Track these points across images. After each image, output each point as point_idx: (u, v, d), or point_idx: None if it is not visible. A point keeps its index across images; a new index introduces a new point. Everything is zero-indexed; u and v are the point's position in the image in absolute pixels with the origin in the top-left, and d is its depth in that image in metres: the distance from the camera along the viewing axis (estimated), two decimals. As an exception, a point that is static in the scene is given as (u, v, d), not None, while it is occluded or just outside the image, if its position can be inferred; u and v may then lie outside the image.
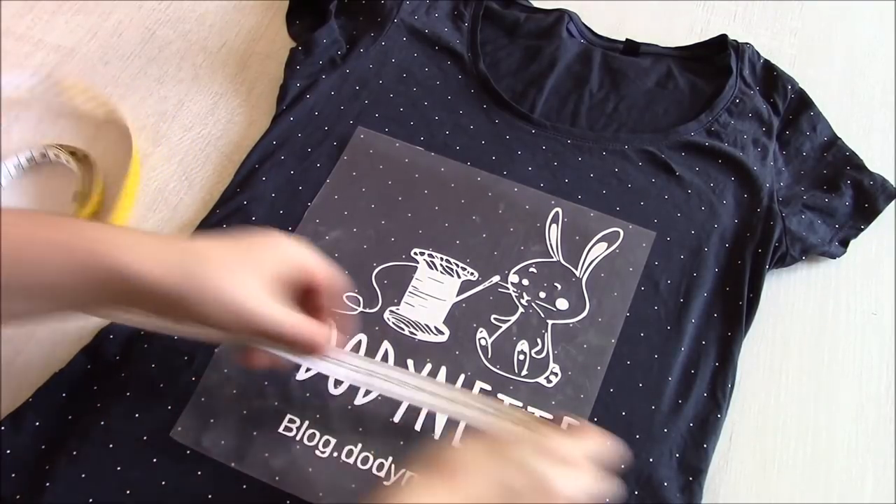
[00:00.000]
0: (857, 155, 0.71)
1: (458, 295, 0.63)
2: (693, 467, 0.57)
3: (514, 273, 0.64)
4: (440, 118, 0.71)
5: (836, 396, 0.63)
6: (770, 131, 0.72)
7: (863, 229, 0.69)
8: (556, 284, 0.64)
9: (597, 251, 0.65)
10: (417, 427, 0.58)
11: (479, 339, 0.61)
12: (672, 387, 0.60)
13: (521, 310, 0.63)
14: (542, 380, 0.60)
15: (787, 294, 0.67)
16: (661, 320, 0.63)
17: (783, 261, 0.66)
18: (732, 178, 0.69)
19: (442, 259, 0.64)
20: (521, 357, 0.61)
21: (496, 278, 0.64)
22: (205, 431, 0.56)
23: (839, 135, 0.72)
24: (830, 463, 0.60)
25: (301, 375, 0.59)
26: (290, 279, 0.50)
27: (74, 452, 0.55)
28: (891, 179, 0.70)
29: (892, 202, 0.70)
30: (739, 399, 0.61)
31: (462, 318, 0.62)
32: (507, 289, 0.64)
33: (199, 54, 0.78)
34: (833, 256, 0.68)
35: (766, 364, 0.64)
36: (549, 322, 0.62)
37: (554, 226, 0.66)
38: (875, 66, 0.81)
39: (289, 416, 0.57)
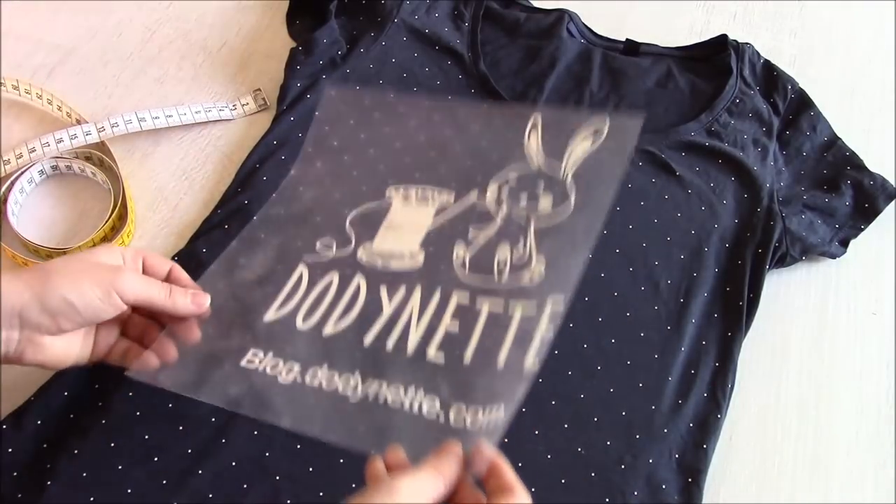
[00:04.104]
0: (857, 155, 0.71)
1: (434, 218, 0.62)
2: (693, 468, 0.57)
3: (491, 189, 0.62)
4: (440, 118, 0.71)
5: (836, 396, 0.63)
6: (770, 131, 0.72)
7: (863, 229, 0.69)
8: (536, 191, 0.61)
9: (580, 150, 0.62)
10: (389, 347, 0.55)
11: (456, 254, 0.59)
12: (672, 387, 0.60)
13: (500, 221, 0.61)
14: (524, 280, 0.57)
15: (787, 294, 0.67)
16: (661, 320, 0.63)
17: (783, 261, 0.66)
18: (732, 178, 0.69)
19: (417, 190, 0.63)
20: (502, 265, 0.58)
21: (473, 196, 0.62)
22: (162, 368, 0.54)
23: (839, 135, 0.72)
24: (830, 463, 0.60)
25: (269, 317, 0.58)
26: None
27: (75, 451, 0.55)
28: (891, 179, 0.70)
29: (892, 202, 0.70)
30: (739, 399, 0.61)
31: (438, 239, 0.60)
32: (486, 205, 0.62)
33: (199, 54, 0.78)
34: (833, 256, 0.68)
35: (766, 364, 0.64)
36: (533, 224, 0.60)
37: (534, 133, 0.64)
38: (875, 67, 0.81)
39: (252, 351, 0.56)
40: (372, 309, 0.57)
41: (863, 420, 0.62)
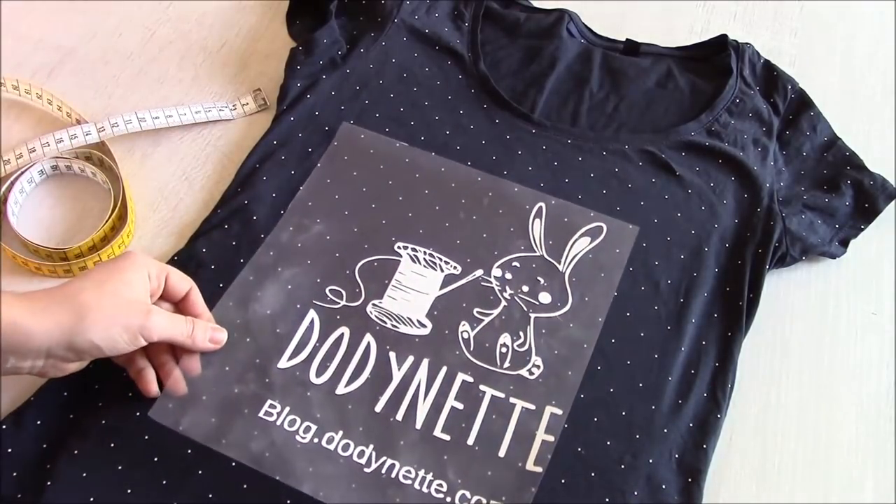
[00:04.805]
0: (857, 155, 0.71)
1: (440, 289, 0.63)
2: (693, 468, 0.57)
3: (497, 267, 0.64)
4: (440, 118, 0.72)
5: (836, 396, 0.63)
6: (770, 131, 0.72)
7: (863, 229, 0.69)
8: (538, 279, 0.64)
9: (580, 246, 0.65)
10: (399, 417, 0.58)
11: (462, 332, 0.61)
12: (672, 387, 0.60)
13: (503, 303, 0.63)
14: (524, 372, 0.60)
15: (787, 294, 0.67)
16: (661, 320, 0.63)
17: (783, 261, 0.66)
18: (733, 178, 0.69)
19: (425, 253, 0.64)
20: (504, 350, 0.61)
21: (479, 272, 0.64)
22: (183, 413, 0.56)
23: (839, 135, 0.72)
24: (830, 463, 0.60)
25: (283, 364, 0.59)
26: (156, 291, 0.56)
27: (75, 451, 0.55)
28: (891, 179, 0.70)
29: (892, 202, 0.70)
30: (739, 399, 0.61)
31: (445, 311, 0.62)
32: (490, 283, 0.64)
33: (199, 54, 0.78)
34: (833, 256, 0.68)
35: (766, 364, 0.64)
36: (532, 315, 0.62)
37: (537, 220, 0.66)
38: (875, 67, 0.81)
39: (269, 402, 0.57)
40: (382, 373, 0.59)
41: (863, 420, 0.62)
